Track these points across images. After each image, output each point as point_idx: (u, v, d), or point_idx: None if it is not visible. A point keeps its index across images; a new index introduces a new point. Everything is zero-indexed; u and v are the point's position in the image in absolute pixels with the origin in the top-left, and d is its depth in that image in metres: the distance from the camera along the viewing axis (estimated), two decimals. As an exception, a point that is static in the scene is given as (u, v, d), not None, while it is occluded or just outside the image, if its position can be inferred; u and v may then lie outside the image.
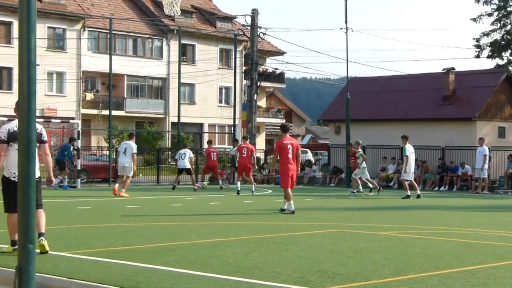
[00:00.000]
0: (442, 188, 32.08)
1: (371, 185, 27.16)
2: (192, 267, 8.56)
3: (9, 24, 51.08)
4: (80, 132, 30.70)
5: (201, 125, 61.67)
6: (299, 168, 17.83)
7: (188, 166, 28.17)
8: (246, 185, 27.12)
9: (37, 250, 9.93)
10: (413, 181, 25.36)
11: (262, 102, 68.46)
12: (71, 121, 36.43)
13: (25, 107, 6.47)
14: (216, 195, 24.71)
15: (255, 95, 40.40)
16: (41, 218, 10.00)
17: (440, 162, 33.31)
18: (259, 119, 57.97)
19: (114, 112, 40.53)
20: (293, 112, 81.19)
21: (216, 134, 62.09)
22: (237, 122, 40.02)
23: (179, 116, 35.82)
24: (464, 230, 13.91)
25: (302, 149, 52.97)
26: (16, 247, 9.78)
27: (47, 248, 9.62)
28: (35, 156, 6.59)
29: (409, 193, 24.26)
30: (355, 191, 27.09)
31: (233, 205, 20.38)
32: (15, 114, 10.25)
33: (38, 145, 10.05)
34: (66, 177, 28.64)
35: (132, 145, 23.81)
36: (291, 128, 78.18)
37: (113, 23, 36.42)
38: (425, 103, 37.08)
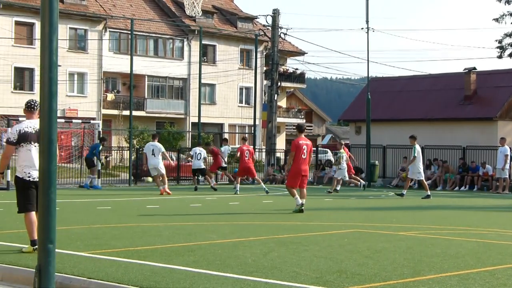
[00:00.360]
0: (462, 188, 31.89)
1: (337, 187, 27.48)
2: (210, 267, 8.58)
3: (31, 25, 51.43)
4: (101, 133, 30.84)
5: (221, 125, 61.75)
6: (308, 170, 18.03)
7: (203, 166, 28.10)
8: (258, 185, 26.82)
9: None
10: (409, 181, 25.55)
11: (283, 102, 68.44)
12: (92, 121, 36.67)
13: (47, 107, 6.52)
14: (236, 195, 24.70)
15: (276, 95, 40.41)
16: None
17: (461, 162, 33.12)
18: (279, 119, 57.99)
19: (134, 113, 40.70)
20: (314, 112, 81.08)
21: (237, 134, 62.14)
22: (257, 122, 40.04)
23: (199, 116, 35.87)
24: (484, 230, 13.83)
25: (323, 149, 53.00)
26: (37, 246, 9.97)
27: None
28: (56, 156, 6.63)
29: (429, 192, 24.23)
30: (331, 190, 27.12)
31: (252, 205, 20.39)
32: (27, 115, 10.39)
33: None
34: (95, 176, 28.78)
35: (158, 145, 25.10)
36: (307, 128, 78.24)
37: (135, 23, 36.54)
38: (446, 103, 36.88)
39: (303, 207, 17.21)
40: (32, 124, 10.05)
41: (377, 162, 35.73)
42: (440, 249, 10.65)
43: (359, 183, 29.55)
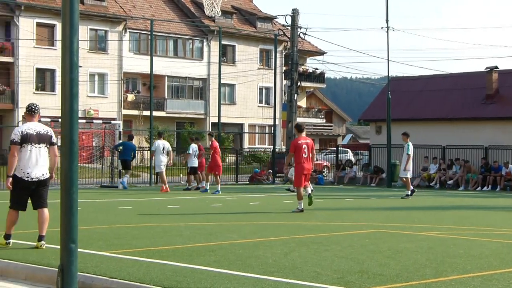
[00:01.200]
0: (485, 188, 31.68)
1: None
2: (231, 267, 8.58)
3: (52, 27, 51.72)
4: (122, 133, 30.93)
5: (241, 125, 61.78)
6: (313, 167, 18.05)
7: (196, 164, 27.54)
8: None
9: (21, 241, 10.38)
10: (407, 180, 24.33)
11: (303, 102, 68.37)
12: (112, 121, 36.81)
13: (68, 108, 6.55)
14: (256, 195, 24.70)
15: (295, 95, 40.37)
16: (44, 220, 10.52)
17: (483, 162, 32.91)
18: (299, 119, 57.86)
19: (155, 113, 40.82)
20: (334, 112, 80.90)
21: (257, 135, 62.18)
22: (277, 122, 40.00)
23: (219, 117, 35.92)
24: (507, 230, 13.73)
25: (343, 149, 52.89)
26: (10, 241, 10.38)
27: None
28: (77, 157, 6.66)
29: (409, 192, 23.64)
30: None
31: (273, 205, 20.37)
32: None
33: (48, 146, 10.56)
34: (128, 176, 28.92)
35: (167, 143, 27.01)
36: (327, 128, 78.08)
37: (154, 24, 36.64)
38: (467, 102, 36.67)
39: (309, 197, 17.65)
40: (33, 126, 10.52)
41: (397, 162, 35.56)
42: (463, 249, 10.58)
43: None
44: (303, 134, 17.72)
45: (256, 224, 14.37)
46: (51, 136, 10.61)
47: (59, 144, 8.51)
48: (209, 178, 26.57)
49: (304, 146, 17.28)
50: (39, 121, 11.11)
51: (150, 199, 22.62)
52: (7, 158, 10.77)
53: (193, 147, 27.17)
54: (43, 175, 10.45)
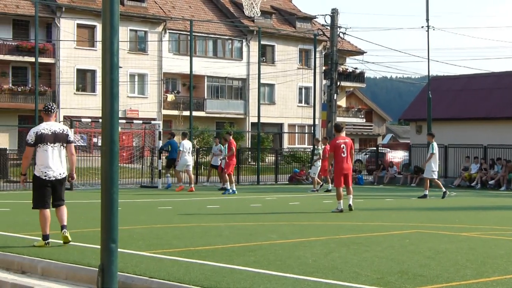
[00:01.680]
0: (527, 188, 31.25)
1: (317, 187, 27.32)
2: (271, 267, 8.57)
3: (92, 28, 52.21)
4: (162, 133, 31.11)
5: (281, 125, 61.75)
6: (352, 167, 18.11)
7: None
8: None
9: (61, 241, 10.51)
10: (436, 180, 23.91)
11: (342, 102, 68.11)
12: (152, 122, 37.03)
13: (108, 108, 6.60)
14: (296, 195, 24.67)
15: (335, 95, 40.24)
16: (63, 213, 10.76)
17: (526, 162, 32.47)
18: (339, 119, 57.63)
19: (194, 113, 40.98)
20: (374, 111, 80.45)
21: (296, 134, 62.09)
22: (317, 122, 39.90)
23: (259, 116, 35.93)
24: (550, 231, 13.53)
25: (383, 148, 52.54)
26: (48, 241, 10.45)
27: (70, 238, 10.45)
28: (118, 157, 6.71)
29: (427, 192, 23.30)
30: (315, 189, 27.05)
31: (312, 205, 20.33)
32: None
33: (65, 145, 10.67)
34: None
35: (190, 144, 27.81)
36: (368, 128, 77.70)
37: (194, 25, 36.78)
38: (510, 101, 36.21)
39: (350, 208, 17.56)
40: (49, 126, 10.66)
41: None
42: (504, 250, 10.46)
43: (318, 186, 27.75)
44: (342, 133, 17.88)
45: (296, 224, 14.35)
46: (68, 135, 10.74)
47: (79, 142, 8.64)
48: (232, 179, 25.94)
49: (342, 145, 17.34)
50: (56, 120, 11.27)
51: (190, 199, 22.72)
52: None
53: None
54: (60, 174, 10.61)
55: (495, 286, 7.62)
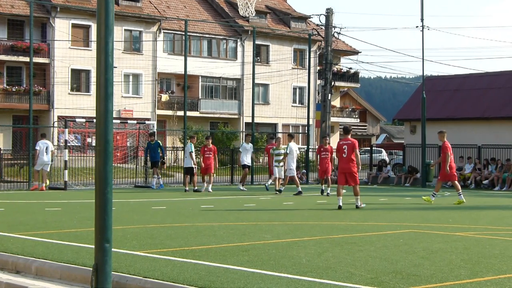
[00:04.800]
0: (521, 188, 31.33)
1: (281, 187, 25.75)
2: (265, 267, 8.58)
3: (87, 28, 52.17)
4: (156, 133, 31.08)
5: (275, 125, 61.79)
6: (359, 166, 18.84)
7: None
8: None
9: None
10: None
11: (336, 102, 68.18)
12: (146, 122, 37.03)
13: (102, 108, 6.60)
14: (290, 195, 24.67)
15: (329, 94, 40.27)
16: None
17: (520, 161, 32.55)
18: (333, 119, 57.69)
19: (189, 113, 41.02)
20: (368, 111, 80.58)
21: (299, 135, 62.05)
22: (311, 122, 39.93)
23: (253, 117, 35.94)
24: (543, 231, 13.56)
25: (377, 148, 52.62)
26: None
27: None
28: (112, 157, 6.71)
29: (300, 188, 25.06)
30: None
31: (306, 205, 20.34)
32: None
33: None
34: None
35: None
36: (362, 128, 77.77)
37: (188, 24, 36.79)
38: (504, 101, 36.30)
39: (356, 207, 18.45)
40: None
41: (432, 161, 35.34)
42: (498, 250, 10.48)
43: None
44: (349, 135, 18.88)
45: (290, 224, 14.36)
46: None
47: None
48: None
49: (344, 147, 18.48)
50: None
51: (183, 199, 22.72)
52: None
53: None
54: None
55: (489, 286, 7.64)
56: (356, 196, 18.70)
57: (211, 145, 27.09)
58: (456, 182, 21.27)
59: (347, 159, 18.43)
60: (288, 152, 25.62)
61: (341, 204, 18.38)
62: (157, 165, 29.04)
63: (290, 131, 61.28)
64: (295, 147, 26.12)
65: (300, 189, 25.28)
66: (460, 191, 21.06)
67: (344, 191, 19.54)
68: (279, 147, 26.40)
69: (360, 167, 18.87)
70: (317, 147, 27.51)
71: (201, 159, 26.93)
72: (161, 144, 29.62)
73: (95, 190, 6.66)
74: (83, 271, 8.35)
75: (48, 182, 27.44)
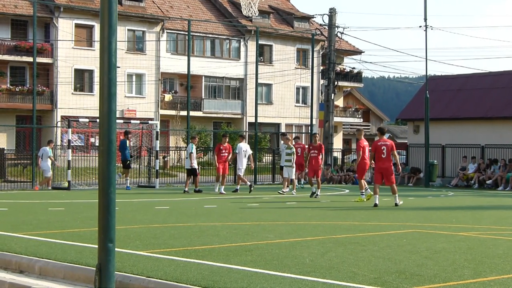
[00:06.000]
0: (525, 188, 31.28)
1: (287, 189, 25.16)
2: (268, 267, 8.58)
3: (90, 28, 52.20)
4: (159, 133, 31.09)
5: (278, 125, 61.78)
6: (399, 166, 20.50)
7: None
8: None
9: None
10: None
11: (340, 102, 68.16)
12: (150, 122, 37.02)
13: (106, 108, 6.60)
14: (293, 195, 24.66)
15: (333, 94, 40.27)
16: None
17: (524, 161, 32.51)
18: (336, 119, 57.70)
19: (192, 113, 40.99)
20: (371, 111, 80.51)
21: (293, 134, 61.98)
22: (314, 121, 39.88)
23: (256, 116, 35.92)
24: (547, 231, 13.54)
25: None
26: None
27: None
28: (115, 157, 6.71)
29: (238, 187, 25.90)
30: (286, 190, 25.09)
31: (309, 205, 20.33)
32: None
33: None
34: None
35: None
36: (364, 128, 77.74)
37: (192, 24, 36.79)
38: (508, 101, 36.25)
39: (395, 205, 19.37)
40: None
41: (436, 161, 35.34)
42: (502, 250, 10.47)
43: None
44: (385, 136, 19.77)
45: (293, 224, 14.36)
46: None
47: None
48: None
49: (383, 147, 19.26)
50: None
51: (187, 199, 22.72)
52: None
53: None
54: None
55: (493, 286, 7.62)
56: (394, 195, 19.54)
57: (226, 143, 26.10)
58: (362, 181, 21.85)
59: (387, 159, 19.30)
60: (237, 152, 25.81)
61: (377, 202, 19.22)
62: (126, 165, 28.46)
63: (294, 131, 61.35)
64: (244, 147, 26.17)
65: (238, 188, 26.08)
66: (363, 190, 21.66)
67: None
68: (289, 146, 25.73)
69: (399, 167, 19.79)
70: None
71: (216, 158, 25.89)
72: (127, 144, 28.60)
73: (99, 190, 6.67)
74: (87, 271, 8.36)
75: (39, 186, 27.73)
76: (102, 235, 6.59)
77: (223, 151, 25.74)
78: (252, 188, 25.89)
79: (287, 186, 25.28)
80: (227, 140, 26.32)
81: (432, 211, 18.64)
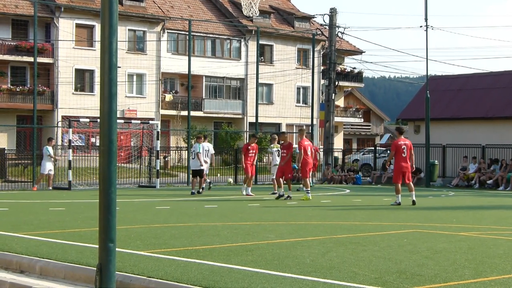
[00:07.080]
0: (526, 188, 31.27)
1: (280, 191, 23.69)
2: (269, 267, 8.58)
3: (91, 28, 52.21)
4: (159, 133, 31.10)
5: (279, 125, 61.77)
6: (414, 166, 20.28)
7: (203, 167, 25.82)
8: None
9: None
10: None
11: (340, 102, 68.15)
12: (150, 122, 37.04)
13: (106, 108, 6.60)
14: (293, 195, 24.66)
15: (333, 94, 40.28)
16: None
17: (525, 161, 32.49)
18: (337, 119, 57.75)
19: (192, 113, 40.97)
20: (372, 111, 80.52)
21: (294, 134, 62.03)
22: (315, 121, 39.88)
23: (256, 116, 35.93)
24: (548, 231, 13.53)
25: (382, 148, 52.62)
26: None
27: None
28: (116, 157, 6.71)
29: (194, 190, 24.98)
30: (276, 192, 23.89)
31: (310, 205, 20.33)
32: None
33: None
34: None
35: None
36: (366, 128, 77.75)
37: (192, 24, 36.79)
38: (508, 101, 36.25)
39: (413, 203, 19.66)
40: None
41: (436, 161, 35.34)
42: (503, 250, 10.47)
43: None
44: (403, 136, 20.02)
45: (293, 224, 14.36)
46: None
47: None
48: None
49: (403, 147, 19.55)
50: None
51: (187, 199, 22.72)
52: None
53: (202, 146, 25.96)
54: None
55: (494, 286, 7.62)
56: (411, 192, 19.81)
57: (254, 143, 25.20)
58: (307, 180, 21.85)
59: (407, 158, 19.59)
60: (199, 151, 25.15)
61: (400, 201, 19.57)
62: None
63: (294, 131, 61.36)
64: (206, 146, 25.89)
65: (195, 191, 25.01)
66: (309, 188, 21.82)
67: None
68: (275, 145, 25.46)
69: (414, 167, 20.28)
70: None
71: (243, 159, 24.87)
72: None
73: (99, 190, 6.67)
74: (87, 271, 8.36)
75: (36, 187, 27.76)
76: (102, 235, 6.59)
77: (251, 151, 24.79)
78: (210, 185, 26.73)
79: (279, 187, 23.68)
80: (256, 140, 25.48)
81: (432, 211, 18.64)
